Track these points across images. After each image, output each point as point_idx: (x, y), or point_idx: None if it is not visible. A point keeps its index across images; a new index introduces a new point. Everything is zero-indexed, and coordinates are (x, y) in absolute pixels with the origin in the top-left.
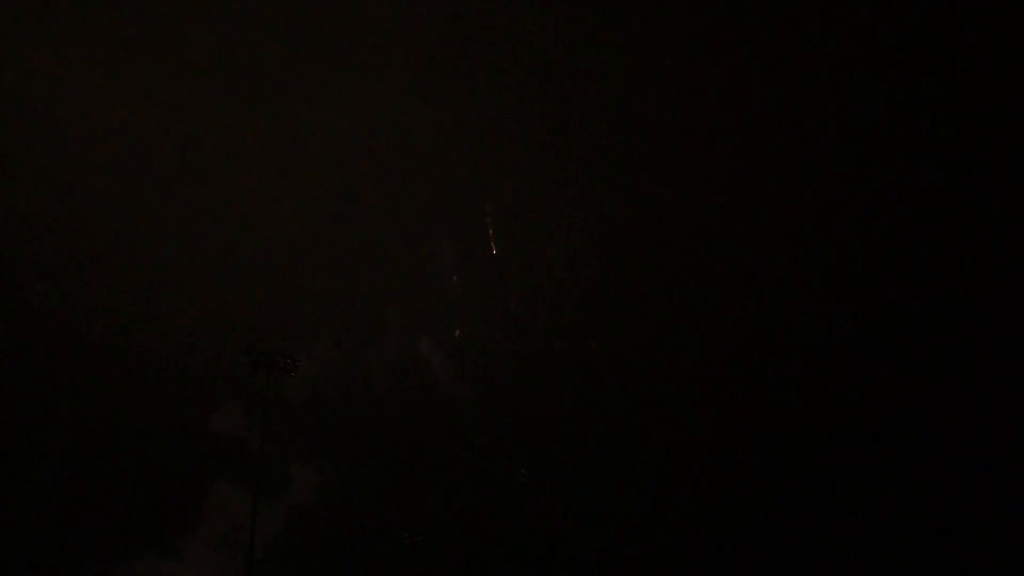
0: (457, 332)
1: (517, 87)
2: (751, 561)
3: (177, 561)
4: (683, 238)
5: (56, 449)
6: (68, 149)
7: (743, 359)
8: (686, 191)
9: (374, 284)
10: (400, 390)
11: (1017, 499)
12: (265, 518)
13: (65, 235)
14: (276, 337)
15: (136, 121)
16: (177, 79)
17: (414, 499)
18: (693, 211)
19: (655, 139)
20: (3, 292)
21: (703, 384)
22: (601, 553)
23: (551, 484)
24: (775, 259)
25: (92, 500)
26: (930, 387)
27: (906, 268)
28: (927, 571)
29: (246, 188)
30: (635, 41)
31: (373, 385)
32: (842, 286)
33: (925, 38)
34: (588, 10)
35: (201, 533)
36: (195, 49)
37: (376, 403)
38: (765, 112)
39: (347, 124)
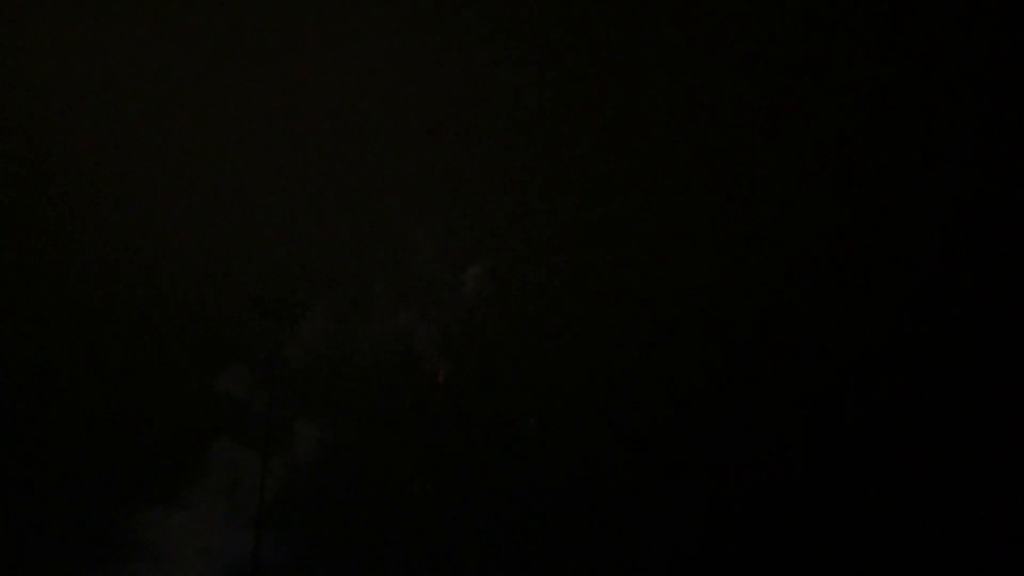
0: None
1: (517, 61)
2: (762, 516)
3: (186, 512)
4: (676, 216)
5: (64, 401)
6: (60, 98)
7: (744, 314)
8: (684, 175)
9: (381, 239)
10: (406, 344)
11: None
12: (273, 468)
13: (62, 186)
14: (282, 288)
15: (132, 72)
16: (175, 30)
17: (422, 449)
18: (689, 193)
19: (657, 123)
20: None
21: (701, 350)
22: (609, 499)
23: (561, 433)
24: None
25: (102, 452)
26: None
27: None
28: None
29: (249, 143)
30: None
31: (379, 338)
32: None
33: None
34: None
35: (209, 485)
36: (199, 14)
37: (382, 355)
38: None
39: (356, 71)
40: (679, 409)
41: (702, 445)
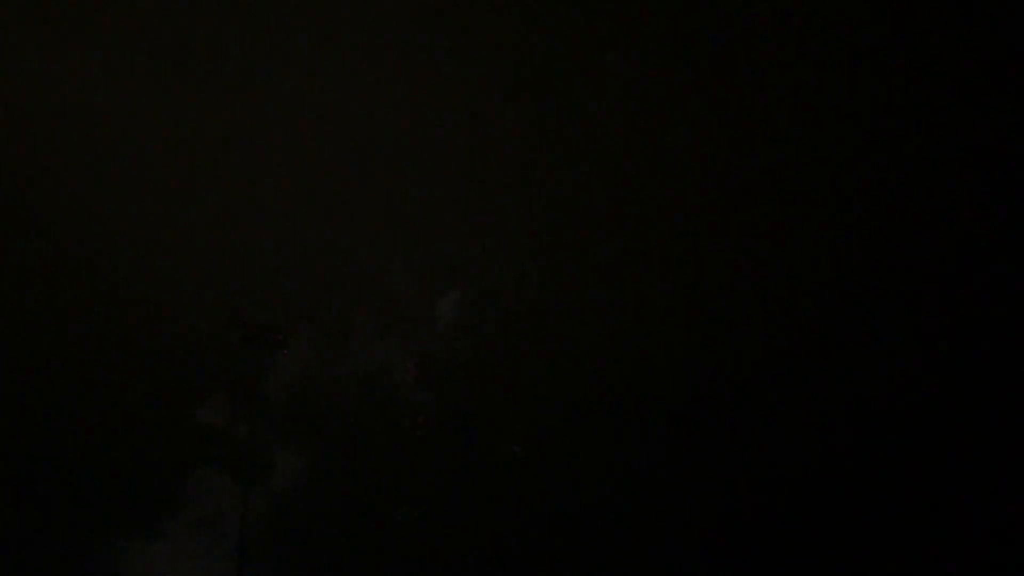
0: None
1: (492, 86)
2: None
3: (166, 543)
4: (655, 241)
5: (40, 431)
6: (40, 126)
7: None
8: (664, 203)
9: (359, 271)
10: (386, 374)
11: None
12: (255, 499)
13: (37, 209)
14: (265, 314)
15: (114, 99)
16: (160, 60)
17: (406, 478)
18: (666, 221)
19: (637, 149)
20: None
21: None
22: (597, 523)
23: (545, 460)
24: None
25: (80, 483)
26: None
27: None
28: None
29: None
30: (630, 40)
31: (360, 369)
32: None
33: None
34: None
35: (190, 516)
36: (178, 33)
37: (363, 386)
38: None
39: (341, 102)
40: (665, 432)
41: (689, 469)
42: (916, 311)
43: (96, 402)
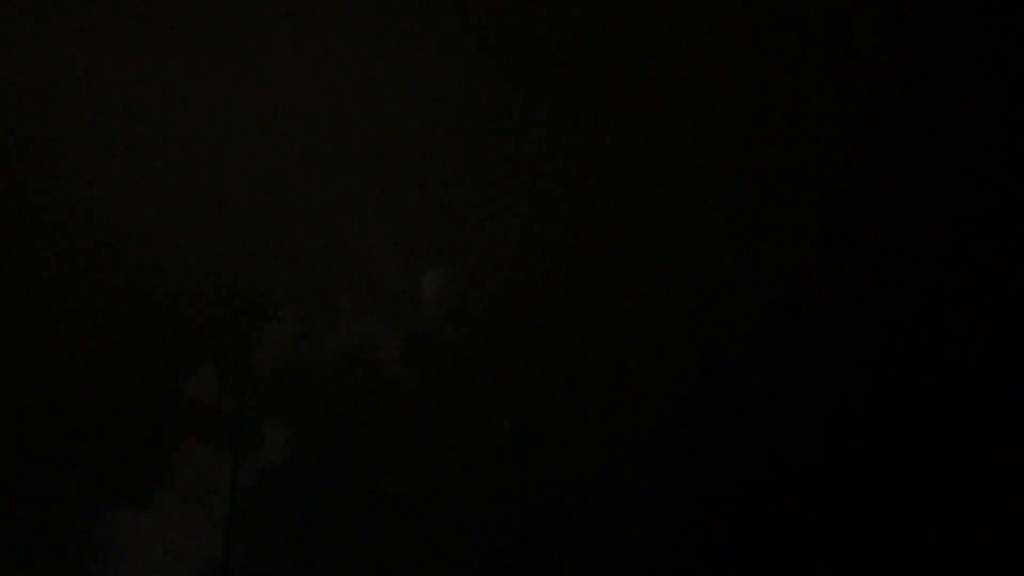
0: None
1: (480, 71)
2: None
3: (157, 513)
4: (636, 217)
5: (33, 403)
6: (28, 91)
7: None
8: (645, 180)
9: (346, 251)
10: (372, 350)
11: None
12: (243, 471)
13: (28, 186)
14: (256, 287)
15: (111, 72)
16: (157, 48)
17: (393, 451)
18: (648, 198)
19: (622, 129)
20: None
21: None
22: (582, 495)
23: (534, 435)
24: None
25: (70, 456)
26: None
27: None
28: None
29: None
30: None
31: (346, 345)
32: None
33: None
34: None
35: (180, 487)
36: (174, 23)
37: (350, 362)
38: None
39: (330, 88)
40: (649, 406)
41: (672, 443)
42: (909, 310)
43: (86, 375)
